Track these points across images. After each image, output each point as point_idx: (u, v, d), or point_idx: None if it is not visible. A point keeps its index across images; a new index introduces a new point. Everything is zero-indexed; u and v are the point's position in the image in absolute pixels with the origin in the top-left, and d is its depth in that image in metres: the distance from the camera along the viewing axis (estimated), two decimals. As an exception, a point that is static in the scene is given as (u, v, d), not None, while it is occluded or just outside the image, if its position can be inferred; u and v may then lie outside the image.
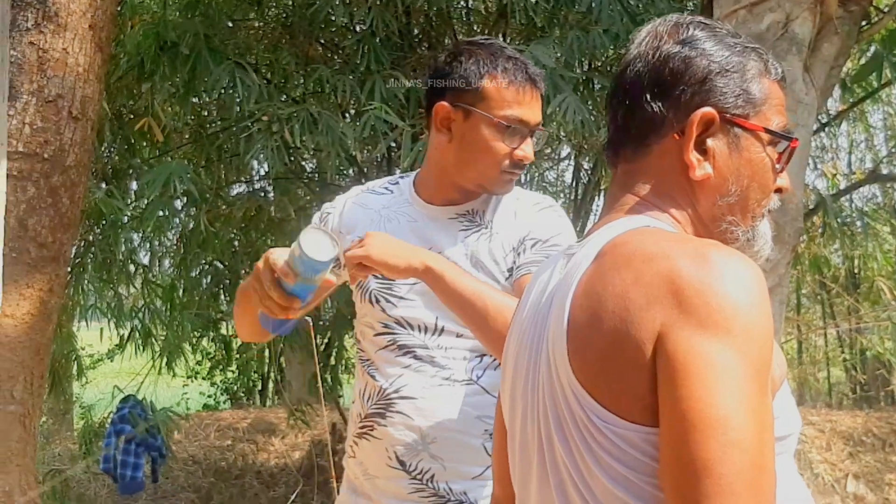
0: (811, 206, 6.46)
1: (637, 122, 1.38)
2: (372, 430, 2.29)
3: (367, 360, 2.36)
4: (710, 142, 1.35)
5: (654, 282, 1.17)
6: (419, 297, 2.27)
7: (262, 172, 8.47)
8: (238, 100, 5.46)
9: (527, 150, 2.25)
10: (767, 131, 1.37)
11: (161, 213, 5.58)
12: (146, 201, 5.34)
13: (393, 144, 5.75)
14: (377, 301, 2.32)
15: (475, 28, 6.67)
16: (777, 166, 1.40)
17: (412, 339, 2.27)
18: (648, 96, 1.36)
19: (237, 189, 8.09)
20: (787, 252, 3.74)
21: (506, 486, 1.59)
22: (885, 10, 4.60)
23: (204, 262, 7.57)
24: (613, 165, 1.45)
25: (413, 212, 2.37)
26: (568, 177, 9.66)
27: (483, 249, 2.27)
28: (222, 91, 5.58)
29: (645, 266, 1.20)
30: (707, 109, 1.33)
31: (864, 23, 4.06)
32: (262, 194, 7.57)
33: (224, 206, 6.68)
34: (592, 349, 1.21)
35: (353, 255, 2.06)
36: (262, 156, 5.38)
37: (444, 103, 2.27)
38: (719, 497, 1.06)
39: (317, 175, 7.59)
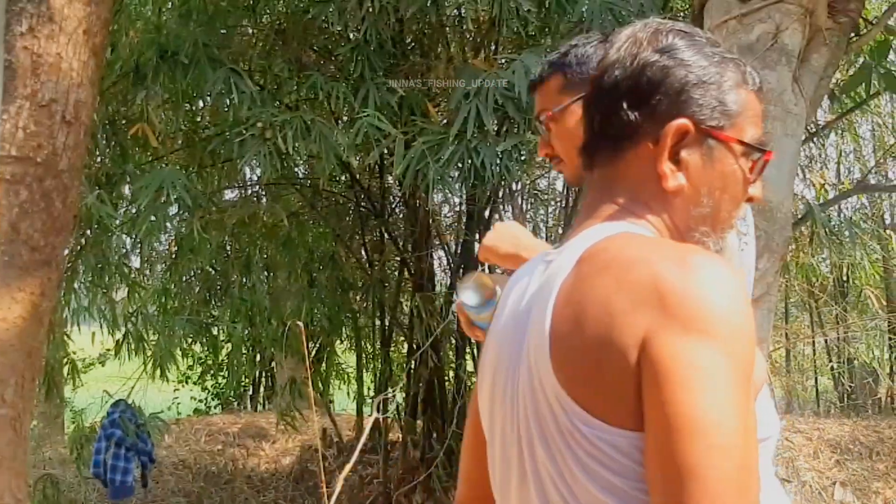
0: (799, 216, 6.49)
1: (613, 129, 1.38)
2: None
3: None
4: (684, 153, 1.35)
5: (636, 287, 1.18)
6: None
7: (254, 178, 8.50)
8: (229, 106, 5.48)
9: None
10: (741, 143, 1.37)
11: (153, 219, 5.59)
12: (139, 207, 5.35)
13: (385, 151, 5.78)
14: None
15: (467, 36, 6.70)
16: (749, 176, 1.41)
17: None
18: (625, 104, 1.36)
19: (229, 195, 8.11)
20: (775, 261, 3.76)
21: (472, 487, 1.61)
22: (874, 21, 4.63)
23: (196, 267, 7.59)
24: (589, 169, 1.44)
25: None
26: (559, 185, 9.69)
27: None
28: (218, 97, 5.58)
29: (626, 271, 1.20)
30: (682, 121, 1.33)
31: (852, 34, 4.09)
32: (255, 199, 7.59)
33: (216, 212, 6.69)
34: (576, 356, 1.21)
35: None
36: (255, 162, 5.40)
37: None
38: (706, 501, 1.07)
39: (308, 181, 7.61)
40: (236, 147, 5.20)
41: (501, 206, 8.11)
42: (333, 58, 6.51)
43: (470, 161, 4.88)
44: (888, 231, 10.33)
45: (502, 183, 5.27)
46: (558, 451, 1.23)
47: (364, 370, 8.65)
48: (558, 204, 9.34)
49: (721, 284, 1.17)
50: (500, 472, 1.41)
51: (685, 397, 1.11)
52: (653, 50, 1.37)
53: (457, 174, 5.08)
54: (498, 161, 4.95)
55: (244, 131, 5.17)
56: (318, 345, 10.05)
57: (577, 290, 1.25)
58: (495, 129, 5.44)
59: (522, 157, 5.41)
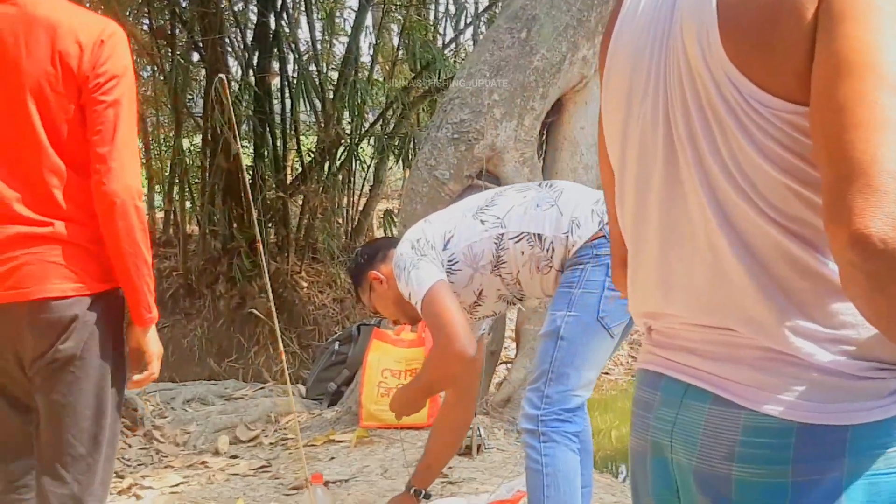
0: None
1: None
2: None
3: None
4: None
5: None
6: None
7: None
8: None
9: None
10: None
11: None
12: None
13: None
14: None
15: None
16: None
17: None
18: None
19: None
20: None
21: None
22: None
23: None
24: None
25: None
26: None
27: None
28: None
29: None
30: None
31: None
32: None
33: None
34: (747, 26, 1.11)
35: None
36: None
37: None
38: (867, 134, 0.97)
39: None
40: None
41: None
42: None
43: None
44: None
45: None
46: (730, 131, 1.14)
47: (154, 161, 8.31)
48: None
49: None
50: (636, 188, 1.32)
51: (860, 33, 1.02)
52: None
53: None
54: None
55: None
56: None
57: None
58: None
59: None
